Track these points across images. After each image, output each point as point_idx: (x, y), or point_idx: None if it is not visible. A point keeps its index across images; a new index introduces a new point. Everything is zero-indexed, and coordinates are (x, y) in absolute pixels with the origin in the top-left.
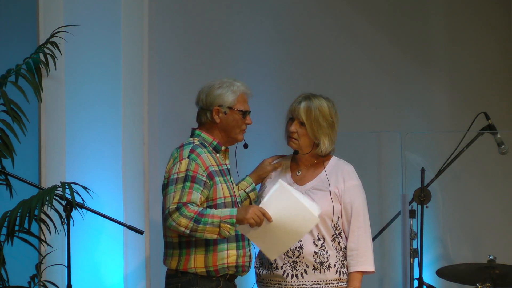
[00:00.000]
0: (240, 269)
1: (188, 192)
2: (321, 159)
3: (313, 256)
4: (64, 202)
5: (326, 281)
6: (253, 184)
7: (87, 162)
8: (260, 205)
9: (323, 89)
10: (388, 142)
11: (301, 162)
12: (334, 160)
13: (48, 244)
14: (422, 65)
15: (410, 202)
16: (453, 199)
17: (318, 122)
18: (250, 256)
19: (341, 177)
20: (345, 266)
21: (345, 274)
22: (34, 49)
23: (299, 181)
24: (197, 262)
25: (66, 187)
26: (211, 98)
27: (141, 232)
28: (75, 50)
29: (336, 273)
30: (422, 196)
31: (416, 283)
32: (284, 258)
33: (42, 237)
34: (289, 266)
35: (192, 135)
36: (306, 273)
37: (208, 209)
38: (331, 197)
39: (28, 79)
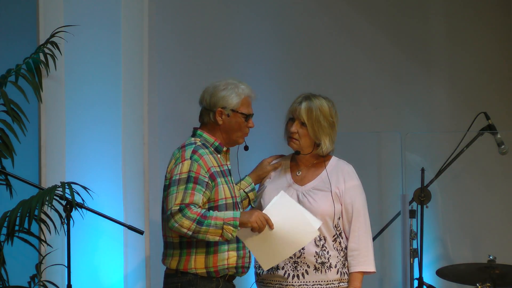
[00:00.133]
0: (240, 270)
1: (191, 194)
2: (321, 159)
3: (314, 256)
4: (64, 202)
5: (327, 281)
6: (253, 184)
7: (87, 162)
8: (263, 212)
9: (323, 89)
10: (388, 142)
11: (301, 162)
12: (334, 160)
13: (48, 244)
14: (422, 65)
15: (410, 202)
16: (453, 199)
17: (319, 122)
18: (249, 257)
19: (341, 177)
20: (346, 266)
21: (345, 274)
22: (34, 49)
23: (299, 181)
24: (197, 262)
25: (66, 187)
26: (215, 99)
27: (141, 232)
28: (75, 50)
29: (337, 273)
30: (422, 196)
31: (416, 283)
32: (285, 259)
33: (42, 237)
34: (290, 267)
35: (194, 135)
36: (308, 274)
37: (210, 211)
38: (332, 198)
39: (28, 79)
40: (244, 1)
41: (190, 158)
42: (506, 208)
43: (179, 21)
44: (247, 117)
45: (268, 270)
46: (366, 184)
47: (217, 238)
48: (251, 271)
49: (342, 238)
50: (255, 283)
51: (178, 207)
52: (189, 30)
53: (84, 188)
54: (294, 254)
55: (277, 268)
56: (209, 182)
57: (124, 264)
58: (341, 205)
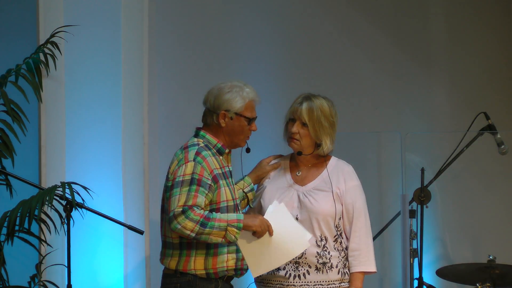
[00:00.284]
0: (239, 272)
1: (194, 196)
2: (321, 159)
3: (316, 257)
4: (64, 202)
5: (329, 281)
6: (252, 184)
7: (87, 162)
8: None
9: (323, 89)
10: (388, 142)
11: (301, 163)
12: (334, 160)
13: (48, 244)
14: (422, 65)
15: (410, 202)
16: (453, 199)
17: (320, 122)
18: None
19: (342, 177)
20: (346, 266)
21: (346, 275)
22: (34, 49)
23: (299, 182)
24: (197, 263)
25: (66, 187)
26: (219, 102)
27: (141, 232)
28: (75, 50)
29: (338, 273)
30: (422, 196)
31: (416, 283)
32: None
33: (42, 237)
34: (291, 267)
35: (197, 135)
36: (309, 274)
37: (213, 213)
38: (333, 198)
39: (28, 79)
40: (244, 1)
41: (194, 160)
42: (506, 208)
43: (179, 21)
44: (250, 120)
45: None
46: (366, 184)
47: (220, 240)
48: (249, 271)
49: (342, 238)
50: (253, 283)
51: (181, 209)
52: (189, 30)
53: (84, 188)
54: None
55: (278, 269)
56: (212, 184)
57: (124, 264)
58: (342, 205)
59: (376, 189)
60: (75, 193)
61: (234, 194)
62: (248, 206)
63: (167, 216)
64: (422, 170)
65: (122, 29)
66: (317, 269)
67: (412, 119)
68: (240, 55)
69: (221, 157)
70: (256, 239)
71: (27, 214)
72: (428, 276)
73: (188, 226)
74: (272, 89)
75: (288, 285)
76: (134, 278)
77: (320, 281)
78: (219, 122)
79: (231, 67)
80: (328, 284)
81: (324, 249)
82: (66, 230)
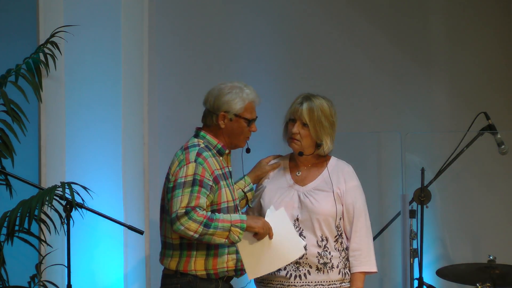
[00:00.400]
0: (239, 272)
1: (197, 197)
2: (320, 159)
3: (317, 257)
4: (64, 202)
5: (329, 281)
6: (251, 184)
7: (87, 162)
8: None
9: (323, 89)
10: (388, 142)
11: (301, 163)
12: (333, 160)
13: (48, 244)
14: (422, 65)
15: (410, 202)
16: (453, 199)
17: (321, 122)
18: None
19: (342, 177)
20: (347, 266)
21: (347, 275)
22: (34, 49)
23: (300, 182)
24: (197, 264)
25: (66, 187)
26: (218, 103)
27: (141, 232)
28: (75, 50)
29: (339, 273)
30: (422, 196)
31: (416, 283)
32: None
33: (42, 237)
34: (292, 267)
35: (197, 136)
36: (310, 274)
37: (216, 213)
38: (334, 198)
39: (28, 79)
40: (244, 1)
41: (195, 161)
42: (506, 208)
43: (179, 21)
44: (250, 121)
45: None
46: (366, 184)
47: (223, 241)
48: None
49: (343, 238)
50: (251, 283)
51: (184, 210)
52: (189, 30)
53: (84, 188)
54: None
55: (278, 269)
56: (213, 185)
57: (124, 264)
58: (342, 205)
59: (376, 189)
60: (75, 193)
61: (234, 195)
62: (247, 206)
63: (168, 218)
64: (422, 170)
65: (122, 29)
66: (318, 269)
67: (412, 119)
68: (240, 55)
69: (221, 158)
70: (255, 242)
71: (27, 214)
72: (428, 276)
73: (191, 227)
74: (272, 89)
75: (289, 285)
76: (134, 278)
77: (321, 281)
78: (218, 123)
79: (231, 67)
80: (329, 284)
81: (325, 249)
82: (66, 230)
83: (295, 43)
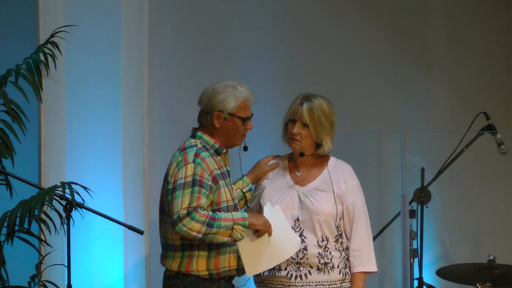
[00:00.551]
0: (241, 272)
1: (197, 197)
2: (320, 159)
3: (317, 257)
4: (64, 202)
5: (330, 281)
6: (250, 184)
7: (87, 162)
8: None
9: (323, 89)
10: (388, 142)
11: (300, 163)
12: (333, 160)
13: (48, 244)
14: (422, 65)
15: (410, 202)
16: (453, 199)
17: (321, 122)
18: None
19: (341, 177)
20: (347, 266)
21: (348, 275)
22: (34, 49)
23: (300, 182)
24: (199, 265)
25: (66, 187)
26: (212, 102)
27: (141, 232)
28: (75, 50)
29: (340, 273)
30: (422, 196)
31: (416, 283)
32: (288, 260)
33: (42, 237)
34: (292, 267)
35: (194, 136)
36: (310, 274)
37: (218, 213)
38: (334, 198)
39: (28, 79)
40: (244, 1)
41: (193, 162)
42: (506, 208)
43: (179, 21)
44: (245, 120)
45: (269, 271)
46: (366, 184)
47: (226, 239)
48: None
49: (343, 238)
50: (251, 281)
51: (186, 211)
52: (189, 30)
53: (84, 188)
54: (297, 255)
55: (279, 269)
56: (212, 185)
57: (124, 264)
58: (342, 205)
59: (376, 189)
60: (75, 193)
61: (233, 194)
62: (246, 206)
63: (169, 219)
64: (422, 170)
65: (122, 29)
66: (318, 269)
67: (412, 119)
68: (240, 55)
69: (218, 157)
70: (254, 239)
71: (27, 214)
72: (428, 276)
73: (194, 227)
74: (272, 89)
75: (289, 285)
76: (134, 278)
77: (321, 281)
78: (213, 123)
79: (231, 67)
80: (330, 284)
81: (325, 249)
82: (66, 230)
83: (295, 43)
